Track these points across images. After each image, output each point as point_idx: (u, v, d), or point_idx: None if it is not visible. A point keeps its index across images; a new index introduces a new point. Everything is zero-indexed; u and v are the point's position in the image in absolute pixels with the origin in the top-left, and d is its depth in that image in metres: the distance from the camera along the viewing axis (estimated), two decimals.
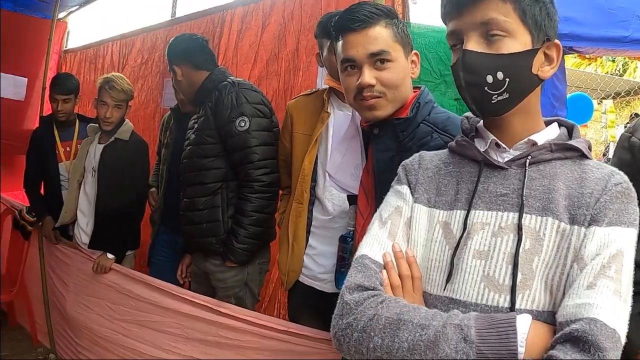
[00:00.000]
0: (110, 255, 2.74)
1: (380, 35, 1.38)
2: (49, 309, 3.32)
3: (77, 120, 3.37)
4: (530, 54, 0.98)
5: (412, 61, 1.47)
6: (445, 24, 1.05)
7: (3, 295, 3.54)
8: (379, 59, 1.38)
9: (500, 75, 0.96)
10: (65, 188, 3.23)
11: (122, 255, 2.84)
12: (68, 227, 3.22)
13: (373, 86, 1.37)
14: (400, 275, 1.04)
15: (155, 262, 2.91)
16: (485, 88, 0.97)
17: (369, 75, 1.37)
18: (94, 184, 2.87)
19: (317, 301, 1.93)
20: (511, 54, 0.96)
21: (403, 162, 1.18)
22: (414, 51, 1.47)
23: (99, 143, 2.91)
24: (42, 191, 3.40)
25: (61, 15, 5.32)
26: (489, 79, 0.96)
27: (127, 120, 2.91)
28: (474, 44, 0.97)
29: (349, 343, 0.96)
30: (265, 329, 1.95)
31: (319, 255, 1.94)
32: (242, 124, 2.11)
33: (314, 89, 2.10)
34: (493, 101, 0.98)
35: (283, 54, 3.05)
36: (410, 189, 1.13)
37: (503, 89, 0.97)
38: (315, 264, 1.94)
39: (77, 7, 5.25)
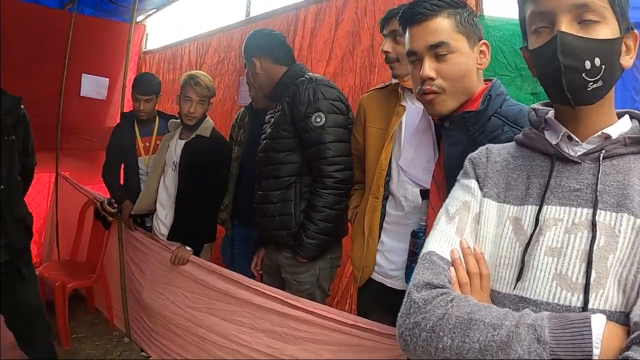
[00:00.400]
0: (188, 248, 2.83)
1: (440, 27, 1.37)
2: (125, 295, 3.51)
3: (157, 117, 3.49)
4: (618, 41, 0.95)
5: (481, 51, 1.43)
6: (523, 6, 1.02)
7: (83, 281, 3.74)
8: (438, 51, 1.37)
9: (597, 61, 0.92)
10: (143, 181, 3.37)
11: (200, 248, 2.92)
12: (145, 220, 3.38)
13: (433, 79, 1.38)
14: (468, 273, 1.02)
15: (227, 255, 3.01)
16: (583, 74, 0.93)
17: (428, 68, 1.38)
18: (175, 178, 2.96)
19: (387, 298, 1.92)
20: (606, 40, 0.93)
21: (470, 155, 1.16)
22: (482, 41, 1.43)
23: (180, 139, 3.00)
24: (121, 181, 3.57)
25: (139, 18, 5.60)
26: (587, 64, 0.92)
27: (208, 117, 2.99)
28: (567, 27, 0.93)
29: (416, 343, 0.93)
30: (334, 323, 1.98)
31: (390, 251, 1.93)
32: (318, 120, 2.14)
33: (387, 83, 2.08)
34: (588, 89, 0.94)
35: (358, 51, 3.07)
36: (479, 183, 1.10)
37: (599, 76, 0.93)
38: (386, 261, 1.94)
39: (155, 10, 5.50)
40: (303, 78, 2.26)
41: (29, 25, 4.44)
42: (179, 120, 3.04)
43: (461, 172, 1.15)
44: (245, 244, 2.86)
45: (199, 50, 4.75)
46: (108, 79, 5.29)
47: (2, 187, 2.19)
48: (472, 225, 1.07)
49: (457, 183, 1.15)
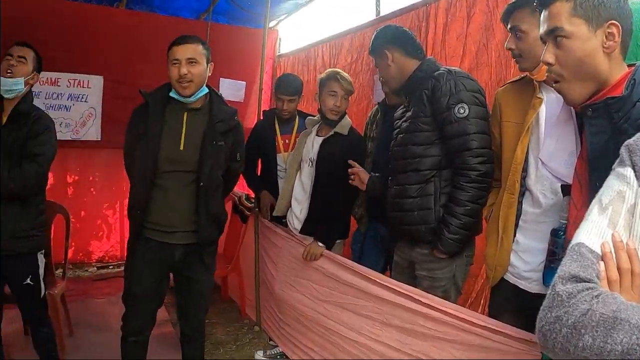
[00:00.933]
0: (320, 244, 2.90)
1: (557, 11, 1.35)
2: (258, 286, 3.73)
3: (297, 116, 3.63)
4: None
5: (609, 34, 1.32)
6: None
7: (220, 270, 3.98)
8: (555, 36, 1.35)
9: None
10: (281, 177, 3.52)
11: (332, 244, 2.97)
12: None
13: (551, 64, 1.36)
14: (618, 269, 0.94)
15: (357, 249, 3.07)
16: None
17: (547, 53, 1.36)
18: (311, 174, 3.05)
19: (519, 301, 1.87)
20: None
21: (626, 142, 1.07)
22: (610, 22, 1.32)
23: (318, 135, 3.08)
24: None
25: (272, 24, 5.89)
26: None
27: (346, 115, 3.05)
28: None
29: (555, 339, 0.89)
30: (464, 323, 1.96)
31: (525, 251, 1.87)
32: (462, 111, 2.12)
33: (522, 75, 2.00)
34: None
35: (492, 44, 2.99)
36: (635, 171, 1.01)
37: None
38: (521, 261, 1.88)
39: (286, 15, 5.75)
40: (442, 71, 2.25)
41: (168, 36, 4.85)
42: (316, 117, 3.14)
43: (617, 160, 1.07)
44: (374, 240, 2.89)
45: (332, 51, 4.90)
46: (245, 82, 5.64)
47: (202, 184, 2.43)
48: (626, 218, 0.99)
49: (612, 172, 1.07)
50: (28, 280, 2.67)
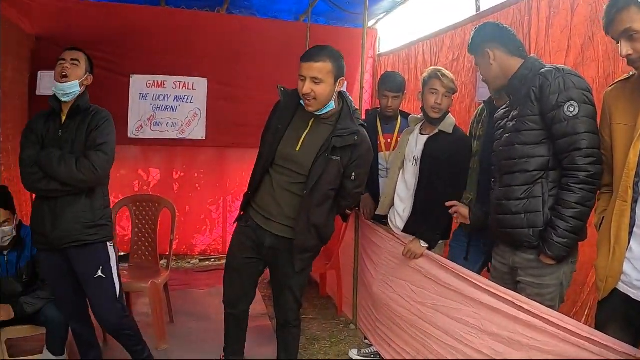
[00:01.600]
0: (423, 243, 2.89)
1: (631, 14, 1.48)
2: (356, 284, 3.77)
3: (399, 115, 3.63)
4: None
5: None
6: None
7: (319, 267, 4.12)
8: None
9: None
10: (382, 177, 3.55)
11: (434, 243, 2.94)
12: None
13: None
14: None
15: (455, 247, 3.03)
16: None
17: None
18: (414, 172, 3.02)
19: (628, 311, 1.78)
20: None
21: None
22: None
23: (421, 134, 3.06)
24: None
25: (370, 23, 5.86)
26: None
27: (450, 114, 3.02)
28: None
29: None
30: (566, 333, 1.87)
31: (639, 260, 1.75)
32: (571, 109, 2.04)
33: (631, 72, 1.88)
34: None
35: (598, 37, 2.83)
36: None
37: None
38: (635, 270, 1.77)
39: (384, 14, 5.71)
40: (549, 68, 2.16)
41: (268, 38, 5.03)
42: (419, 116, 3.13)
43: None
44: (477, 242, 2.84)
45: (433, 49, 4.85)
46: (346, 82, 5.68)
47: (306, 191, 2.52)
48: None
49: None
50: (99, 273, 2.75)
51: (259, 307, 2.91)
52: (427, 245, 2.87)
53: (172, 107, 5.30)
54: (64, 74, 2.69)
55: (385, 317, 3.21)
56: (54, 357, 3.07)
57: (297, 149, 2.53)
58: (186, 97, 5.35)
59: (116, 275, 2.87)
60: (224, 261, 5.40)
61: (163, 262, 4.01)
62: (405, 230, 3.05)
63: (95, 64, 5.19)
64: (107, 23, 5.00)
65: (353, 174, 2.60)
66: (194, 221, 5.71)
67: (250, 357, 3.14)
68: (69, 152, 2.65)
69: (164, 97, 5.28)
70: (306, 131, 2.55)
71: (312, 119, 2.56)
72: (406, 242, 2.97)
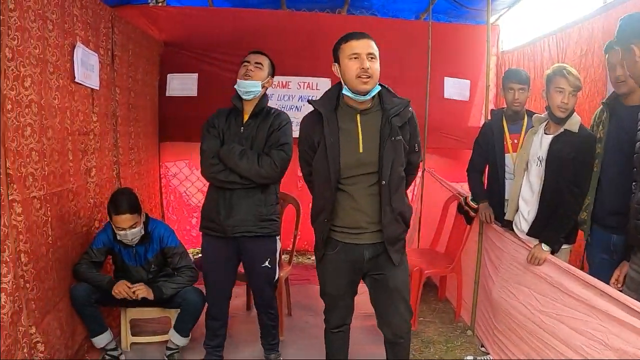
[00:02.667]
0: (545, 247, 2.74)
1: None
2: (477, 289, 3.63)
3: (526, 115, 3.47)
4: None
5: None
6: None
7: (440, 270, 4.05)
8: None
9: None
10: (508, 179, 3.40)
11: (558, 247, 2.79)
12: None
13: None
14: None
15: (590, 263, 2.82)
16: None
17: None
18: (539, 173, 2.88)
19: None
20: None
21: None
22: None
23: (546, 133, 2.90)
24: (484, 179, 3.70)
25: (492, 19, 5.61)
26: None
27: (575, 112, 2.84)
28: None
29: None
30: None
31: None
32: None
33: None
34: None
35: None
36: None
37: None
38: None
39: (506, 9, 5.45)
40: None
41: (390, 38, 5.02)
42: (543, 115, 2.97)
43: None
44: (600, 250, 2.63)
45: (559, 44, 4.53)
46: (469, 81, 5.53)
47: (384, 182, 2.42)
48: None
49: None
50: (266, 264, 3.02)
51: (366, 305, 2.84)
52: (549, 249, 2.71)
53: (297, 106, 5.48)
54: (247, 74, 2.91)
55: (504, 325, 3.06)
56: (180, 337, 3.31)
57: (361, 151, 2.39)
58: (310, 97, 5.46)
59: (277, 265, 3.13)
60: None
61: (285, 256, 4.16)
62: (530, 233, 2.90)
63: (221, 67, 5.53)
64: (230, 28, 5.30)
65: (415, 145, 2.50)
66: None
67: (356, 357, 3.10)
68: (249, 148, 2.89)
69: (289, 97, 5.47)
70: (359, 129, 2.42)
71: (358, 115, 2.42)
72: (530, 247, 2.83)
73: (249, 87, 2.91)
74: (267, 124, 2.94)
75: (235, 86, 2.95)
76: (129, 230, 3.12)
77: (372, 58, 2.33)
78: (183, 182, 5.73)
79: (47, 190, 2.79)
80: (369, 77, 2.30)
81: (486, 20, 3.77)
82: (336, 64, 2.42)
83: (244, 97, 2.94)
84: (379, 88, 2.42)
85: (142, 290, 3.14)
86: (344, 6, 5.55)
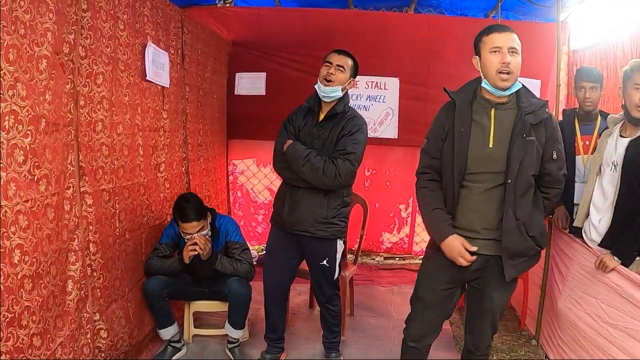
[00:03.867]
0: (616, 259, 2.55)
1: None
2: (543, 298, 3.45)
3: (599, 115, 3.30)
4: None
5: None
6: None
7: None
8: None
9: None
10: (578, 182, 3.23)
11: (630, 260, 2.57)
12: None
13: None
14: None
15: None
16: None
17: None
18: (614, 180, 2.68)
19: None
20: None
21: None
22: None
23: (622, 136, 2.70)
24: None
25: (562, 16, 5.32)
26: None
27: None
28: None
29: None
30: None
31: None
32: None
33: None
34: None
35: None
36: None
37: None
38: None
39: (577, 5, 5.13)
40: None
41: (457, 36, 4.88)
42: (618, 115, 2.78)
43: None
44: None
45: (634, 41, 4.22)
46: (540, 81, 5.30)
47: (509, 181, 2.23)
48: None
49: None
50: (324, 262, 3.01)
51: None
52: (619, 262, 2.52)
53: (364, 106, 5.43)
54: (328, 79, 2.88)
55: (569, 336, 2.89)
56: (234, 330, 3.35)
57: (490, 146, 2.26)
58: (378, 97, 5.45)
59: (337, 264, 3.10)
60: (408, 261, 5.52)
61: (351, 256, 4.13)
62: (602, 244, 2.70)
63: (289, 66, 5.56)
64: (297, 27, 5.32)
65: (554, 152, 2.30)
66: (382, 219, 5.76)
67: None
68: (320, 148, 2.88)
69: (357, 97, 5.42)
70: (492, 124, 2.29)
71: (492, 109, 2.30)
72: (599, 254, 2.64)
73: (329, 93, 2.89)
74: (340, 126, 2.90)
75: (315, 86, 2.93)
76: (196, 234, 3.17)
77: (513, 52, 2.23)
78: (250, 179, 5.82)
79: (116, 184, 2.91)
80: (509, 73, 2.21)
81: (556, 17, 3.58)
82: (477, 56, 2.32)
83: (323, 100, 2.93)
84: (519, 85, 2.31)
85: (201, 241, 3.13)
86: (411, 5, 5.46)
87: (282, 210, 2.97)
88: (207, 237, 3.22)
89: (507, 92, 2.25)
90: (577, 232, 3.01)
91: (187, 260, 3.18)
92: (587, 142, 3.25)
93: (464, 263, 2.26)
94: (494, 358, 3.36)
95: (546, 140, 2.28)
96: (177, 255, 3.29)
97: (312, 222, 2.91)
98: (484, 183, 2.28)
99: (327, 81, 2.86)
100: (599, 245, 2.73)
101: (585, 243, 2.86)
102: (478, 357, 2.59)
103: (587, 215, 2.86)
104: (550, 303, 3.28)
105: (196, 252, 3.14)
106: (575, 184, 3.22)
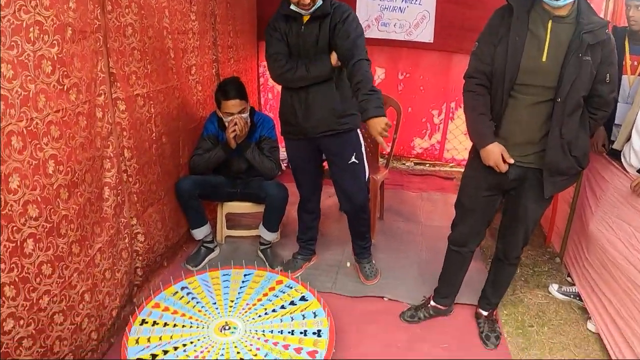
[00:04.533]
0: None
1: None
2: (572, 217, 3.40)
3: None
4: None
5: None
6: None
7: None
8: None
9: None
10: (621, 102, 3.00)
11: None
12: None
13: None
14: None
15: None
16: None
17: None
18: None
19: None
20: None
21: None
22: None
23: None
24: None
25: None
26: None
27: None
28: None
29: None
30: None
31: None
32: None
33: None
34: None
35: None
36: None
37: None
38: None
39: None
40: None
41: None
42: None
43: None
44: None
45: None
46: None
47: (558, 99, 2.16)
48: None
49: None
50: (353, 159, 2.93)
51: None
52: None
53: (400, 8, 5.13)
54: (303, 2, 2.62)
55: (596, 260, 2.86)
56: (268, 233, 3.44)
57: (544, 59, 2.15)
58: None
59: (366, 161, 3.05)
60: (438, 168, 5.47)
61: (382, 160, 4.10)
62: None
63: None
64: None
65: (607, 74, 2.18)
66: (414, 123, 5.63)
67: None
68: (313, 46, 2.73)
69: None
70: (548, 37, 2.15)
71: (550, 21, 2.15)
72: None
73: (311, 9, 2.66)
74: (328, 19, 2.68)
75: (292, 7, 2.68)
76: (237, 115, 3.14)
77: None
78: None
79: (150, 88, 2.86)
80: None
81: None
82: None
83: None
84: None
85: (241, 122, 3.13)
86: None
87: (296, 119, 2.87)
88: (247, 120, 3.20)
89: (562, 3, 2.08)
90: (615, 155, 2.89)
91: (233, 145, 3.19)
92: (635, 63, 3.01)
93: (500, 170, 2.31)
94: (518, 271, 3.36)
95: (601, 62, 2.15)
96: (218, 146, 3.29)
97: (332, 118, 2.82)
98: (532, 96, 2.21)
99: (304, 5, 2.63)
100: (637, 171, 2.62)
101: (623, 167, 2.76)
102: (507, 266, 2.68)
103: (628, 138, 2.72)
104: (580, 224, 3.23)
105: (236, 133, 3.13)
106: (619, 104, 3.03)
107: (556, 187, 2.34)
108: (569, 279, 3.28)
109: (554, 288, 3.17)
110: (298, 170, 3.13)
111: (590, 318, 2.86)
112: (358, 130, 2.97)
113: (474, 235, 2.64)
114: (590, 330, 2.83)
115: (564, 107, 2.15)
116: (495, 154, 2.28)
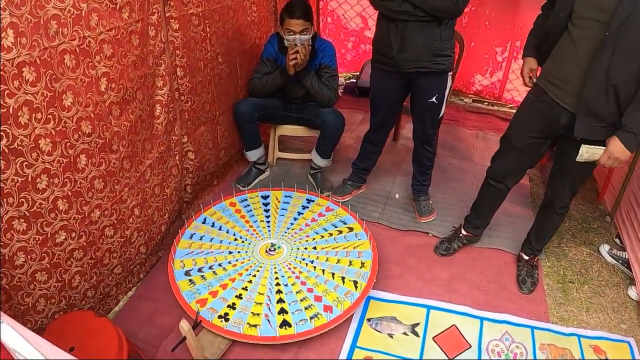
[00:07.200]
0: None
1: None
2: (630, 175, 3.12)
3: None
4: None
5: None
6: None
7: None
8: None
9: None
10: None
11: None
12: None
13: None
14: None
15: None
16: None
17: None
18: None
19: None
20: None
21: None
22: None
23: None
24: None
25: None
26: None
27: None
28: None
29: None
30: None
31: None
32: None
33: None
34: None
35: None
36: None
37: None
38: None
39: None
40: None
41: None
42: None
43: None
44: None
45: None
46: None
47: (607, 33, 1.91)
48: None
49: None
50: (433, 99, 2.80)
51: None
52: None
53: None
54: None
55: None
56: (321, 159, 3.38)
57: None
58: None
59: (445, 102, 2.99)
60: (497, 107, 5.18)
61: None
62: None
63: None
64: None
65: None
66: (476, 59, 5.24)
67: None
68: None
69: None
70: None
71: None
72: None
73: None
74: None
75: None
76: (299, 35, 2.99)
77: None
78: (342, 5, 5.36)
79: (205, 7, 2.72)
80: None
81: None
82: None
83: None
84: None
85: (302, 51, 2.99)
86: None
87: (390, 51, 2.65)
88: (309, 43, 3.04)
89: None
90: None
91: (291, 72, 3.08)
92: None
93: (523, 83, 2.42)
94: (566, 224, 3.23)
95: None
96: (276, 72, 3.19)
97: (428, 55, 2.61)
98: (588, 30, 1.95)
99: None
100: None
101: None
102: (553, 214, 2.58)
103: None
104: (637, 184, 2.99)
105: (297, 61, 3.01)
106: None
107: (590, 131, 2.06)
108: (617, 240, 3.08)
109: (604, 248, 2.97)
110: (379, 101, 2.99)
111: (633, 284, 2.71)
112: (449, 74, 2.84)
113: (513, 173, 2.55)
114: (629, 297, 2.69)
115: (614, 44, 1.87)
116: (525, 65, 2.40)
